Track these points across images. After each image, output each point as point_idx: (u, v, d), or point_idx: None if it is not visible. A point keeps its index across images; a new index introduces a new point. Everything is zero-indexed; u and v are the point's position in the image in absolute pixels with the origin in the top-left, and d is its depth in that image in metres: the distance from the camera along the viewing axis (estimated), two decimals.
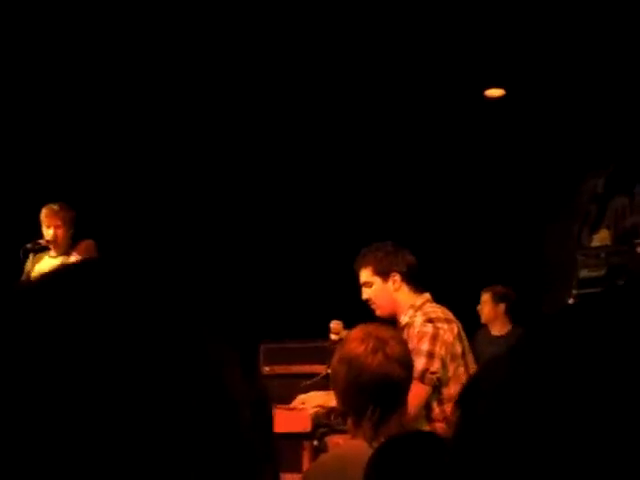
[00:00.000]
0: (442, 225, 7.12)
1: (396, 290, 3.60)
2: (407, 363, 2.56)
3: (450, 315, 3.60)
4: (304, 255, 7.28)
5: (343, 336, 4.12)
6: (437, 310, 3.56)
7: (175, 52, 5.76)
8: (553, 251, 6.45)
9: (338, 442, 3.30)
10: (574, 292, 5.31)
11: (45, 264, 5.10)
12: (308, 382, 4.37)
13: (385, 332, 2.61)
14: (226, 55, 5.84)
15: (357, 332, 2.62)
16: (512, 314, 6.22)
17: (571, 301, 5.43)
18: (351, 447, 2.42)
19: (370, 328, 2.61)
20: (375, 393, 2.47)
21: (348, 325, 4.03)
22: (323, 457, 2.72)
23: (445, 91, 6.40)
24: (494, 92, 6.72)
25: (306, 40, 5.82)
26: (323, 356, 4.50)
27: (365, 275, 3.65)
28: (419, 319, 3.49)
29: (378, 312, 3.65)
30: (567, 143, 6.57)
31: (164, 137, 7.00)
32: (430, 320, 3.47)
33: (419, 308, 3.56)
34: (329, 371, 4.15)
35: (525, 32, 5.70)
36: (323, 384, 4.20)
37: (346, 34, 5.71)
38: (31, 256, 4.98)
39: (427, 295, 3.65)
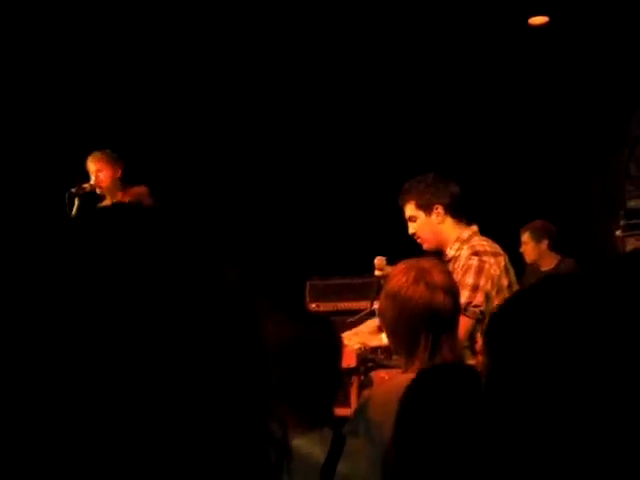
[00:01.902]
0: (485, 157, 7.02)
1: (440, 223, 3.57)
2: (451, 291, 2.54)
3: (497, 248, 3.56)
4: (347, 191, 7.24)
5: (387, 272, 4.13)
6: (484, 243, 3.52)
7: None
8: (600, 181, 6.34)
9: (383, 377, 3.32)
10: (622, 222, 5.22)
11: None
12: (353, 318, 4.40)
13: (426, 262, 2.61)
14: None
15: (399, 266, 2.63)
16: (557, 246, 6.09)
17: (619, 232, 5.35)
18: (403, 380, 2.43)
19: (412, 261, 2.62)
20: (422, 322, 2.47)
21: (393, 261, 4.02)
22: (376, 391, 2.74)
23: (489, 19, 6.25)
24: (538, 19, 6.53)
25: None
26: (368, 292, 4.52)
27: (409, 209, 3.62)
28: (465, 252, 3.46)
29: (424, 246, 3.63)
30: (616, 72, 6.40)
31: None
32: (476, 253, 3.43)
33: (466, 241, 3.52)
34: (374, 307, 4.19)
35: None
36: (368, 320, 4.23)
37: None
38: (76, 200, 5.03)
39: (474, 227, 3.61)
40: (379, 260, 4.10)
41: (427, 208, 3.57)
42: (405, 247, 3.69)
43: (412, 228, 3.63)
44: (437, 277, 2.52)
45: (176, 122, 7.00)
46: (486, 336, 1.04)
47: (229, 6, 5.22)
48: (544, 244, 6.03)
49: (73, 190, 5.02)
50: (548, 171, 6.93)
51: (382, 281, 4.09)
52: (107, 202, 5.19)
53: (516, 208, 6.47)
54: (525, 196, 6.73)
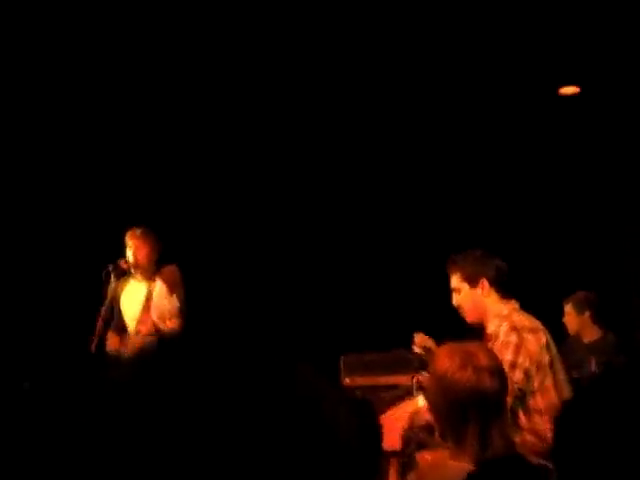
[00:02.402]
0: (519, 230, 6.98)
1: (484, 296, 3.55)
2: (498, 373, 2.50)
3: (537, 324, 3.51)
4: (382, 267, 7.23)
5: (428, 345, 4.06)
6: (523, 319, 3.48)
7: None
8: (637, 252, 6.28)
9: (427, 459, 3.23)
10: None
11: (131, 288, 5.20)
12: (389, 393, 4.33)
13: (471, 345, 2.58)
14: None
15: (444, 349, 2.60)
16: (600, 318, 5.98)
17: None
18: (454, 469, 2.35)
19: (456, 344, 2.59)
20: (470, 407, 2.42)
21: (431, 336, 3.97)
22: (423, 476, 2.67)
23: (520, 89, 6.28)
24: (569, 89, 6.55)
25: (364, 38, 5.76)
26: (403, 367, 4.46)
27: (454, 281, 3.62)
28: (504, 328, 3.42)
29: (467, 319, 3.62)
30: None
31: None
32: (515, 329, 3.39)
33: (505, 317, 3.49)
34: (414, 381, 4.11)
35: (600, 28, 5.56)
36: (405, 395, 4.15)
37: (409, 26, 5.63)
38: (112, 277, 5.05)
39: (515, 304, 3.57)
40: (419, 337, 4.04)
41: (472, 280, 3.56)
42: (439, 323, 3.66)
43: (456, 300, 3.63)
44: (483, 360, 2.48)
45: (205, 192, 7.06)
46: (557, 425, 1.05)
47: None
48: (586, 316, 5.93)
49: (110, 268, 5.05)
50: (590, 243, 6.88)
51: (424, 356, 4.04)
52: (138, 278, 5.20)
53: (560, 280, 6.41)
54: (569, 268, 6.68)
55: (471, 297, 3.57)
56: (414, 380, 4.12)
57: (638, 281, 6.14)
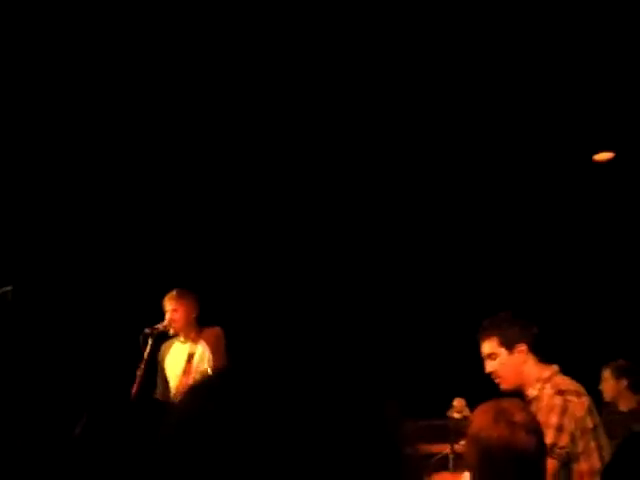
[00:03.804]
0: (554, 296, 6.93)
1: (523, 362, 3.46)
2: (535, 430, 2.44)
3: (581, 388, 3.44)
4: (415, 334, 7.19)
5: (466, 414, 4.00)
6: (567, 382, 3.40)
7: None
8: None
9: None
10: None
11: (175, 350, 5.20)
12: (430, 462, 4.26)
13: (507, 402, 2.54)
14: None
15: (480, 408, 2.56)
16: (636, 387, 5.91)
17: None
18: None
19: (492, 401, 2.55)
20: (505, 464, 2.37)
21: (470, 402, 3.92)
22: None
23: (555, 155, 6.30)
24: (603, 155, 6.57)
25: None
26: (441, 435, 4.38)
27: (489, 347, 3.51)
28: (549, 391, 3.33)
29: (503, 386, 3.50)
30: None
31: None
32: (560, 392, 3.30)
33: (548, 380, 3.39)
34: (453, 450, 4.05)
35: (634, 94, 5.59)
36: (443, 464, 4.08)
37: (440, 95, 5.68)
38: (150, 340, 5.06)
39: (556, 367, 3.49)
40: (458, 401, 3.99)
41: (510, 346, 3.47)
42: (478, 388, 3.59)
43: (491, 367, 3.52)
44: (517, 416, 2.44)
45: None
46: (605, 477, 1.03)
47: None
48: (623, 383, 5.86)
49: (147, 331, 5.05)
50: (620, 309, 6.81)
51: (462, 422, 3.98)
52: (181, 339, 5.21)
53: (597, 347, 6.33)
54: (606, 335, 6.60)
55: (509, 363, 3.47)
56: (451, 449, 4.06)
57: None
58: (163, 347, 5.24)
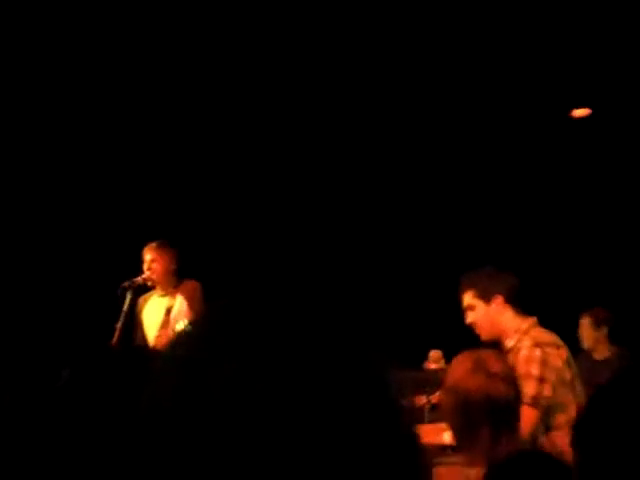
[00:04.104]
0: (534, 248, 7.00)
1: (499, 313, 3.51)
2: (511, 381, 2.50)
3: (558, 339, 3.48)
4: (392, 286, 7.23)
5: (442, 365, 4.06)
6: (545, 335, 3.44)
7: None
8: None
9: (442, 472, 3.22)
10: None
11: (152, 303, 5.17)
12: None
13: (484, 352, 2.58)
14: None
15: (457, 358, 2.59)
16: (613, 337, 5.99)
17: None
18: (470, 474, 2.36)
19: (469, 351, 2.58)
20: (481, 413, 2.42)
21: (448, 353, 3.97)
22: None
23: (532, 111, 6.33)
24: (580, 112, 6.60)
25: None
26: (415, 386, 4.43)
27: (467, 299, 3.57)
28: (526, 343, 3.37)
29: (482, 336, 3.56)
30: None
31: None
32: (538, 344, 3.35)
33: (525, 332, 3.44)
34: (431, 401, 4.11)
35: (610, 51, 5.61)
36: (419, 415, 4.13)
37: (419, 50, 5.67)
38: (128, 294, 5.04)
39: (533, 319, 3.53)
40: (435, 353, 4.05)
41: (487, 297, 3.52)
42: (458, 340, 3.64)
43: (470, 318, 3.58)
44: (495, 366, 2.48)
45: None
46: (576, 431, 1.05)
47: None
48: (603, 331, 5.94)
49: (125, 284, 5.03)
50: (604, 261, 6.89)
51: (439, 374, 4.03)
52: (160, 292, 5.18)
53: (572, 297, 6.41)
54: (582, 285, 6.68)
55: (486, 314, 3.53)
56: (427, 401, 4.12)
57: None
58: (141, 300, 5.18)
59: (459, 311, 3.70)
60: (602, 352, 5.92)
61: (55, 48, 5.54)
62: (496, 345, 3.52)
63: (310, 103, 6.35)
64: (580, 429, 0.99)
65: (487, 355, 2.54)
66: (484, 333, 3.55)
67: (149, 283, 5.12)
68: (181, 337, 0.73)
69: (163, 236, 5.26)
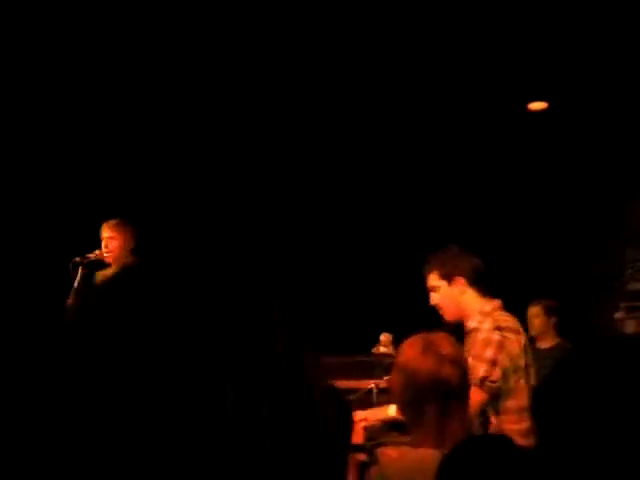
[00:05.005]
0: (484, 238, 7.07)
1: (461, 293, 3.55)
2: (459, 363, 2.54)
3: (519, 326, 3.53)
4: (345, 270, 7.25)
5: (391, 350, 4.09)
6: (507, 319, 3.48)
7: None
8: (599, 265, 6.38)
9: (390, 454, 3.25)
10: (623, 305, 5.26)
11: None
12: (353, 396, 4.34)
13: (435, 335, 2.61)
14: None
15: (408, 340, 2.63)
16: (560, 327, 6.12)
17: (620, 314, 5.37)
18: (417, 456, 2.39)
19: (420, 334, 2.62)
20: (429, 393, 2.46)
21: (398, 338, 4.00)
22: (389, 470, 2.70)
23: (489, 104, 6.38)
24: (537, 105, 6.67)
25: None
26: (364, 371, 4.46)
27: (431, 279, 3.60)
28: (487, 325, 3.41)
29: (445, 317, 3.60)
30: (612, 159, 6.51)
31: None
32: (499, 328, 3.38)
33: (488, 314, 3.48)
34: (377, 385, 4.14)
35: (568, 44, 5.67)
36: (367, 399, 4.16)
37: (384, 43, 5.70)
38: (80, 270, 5.01)
39: (497, 302, 3.57)
40: (385, 336, 4.09)
41: (449, 278, 3.55)
42: (413, 323, 3.66)
43: (434, 298, 3.61)
44: (446, 348, 2.52)
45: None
46: (534, 410, 1.05)
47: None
48: (552, 320, 6.06)
49: (77, 259, 5.00)
50: (547, 253, 6.98)
51: (387, 359, 4.06)
52: (115, 269, 5.15)
53: (516, 287, 6.49)
54: (524, 277, 6.76)
55: (449, 295, 3.56)
56: (375, 385, 4.15)
57: (598, 291, 6.25)
58: (99, 276, 5.18)
59: (415, 294, 3.72)
60: (548, 341, 6.04)
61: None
62: (459, 327, 3.55)
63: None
64: (537, 407, 1.01)
65: (438, 337, 2.58)
66: (448, 314, 3.59)
67: (107, 259, 5.10)
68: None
69: (123, 215, 5.25)
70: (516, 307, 6.15)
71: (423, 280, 3.67)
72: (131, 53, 5.73)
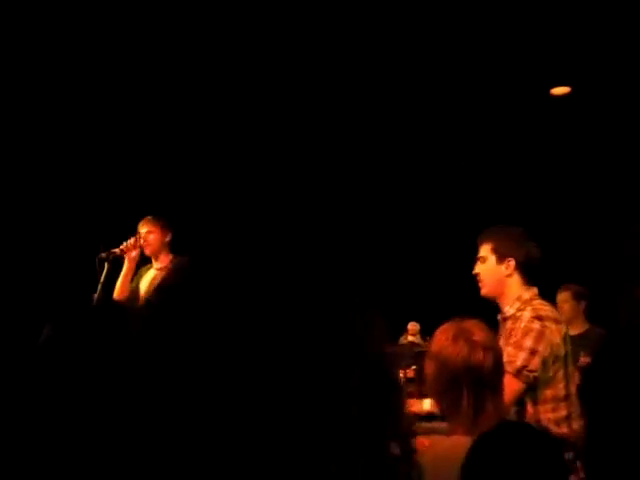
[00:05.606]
0: (510, 224, 7.03)
1: (507, 275, 3.48)
2: (492, 349, 2.51)
3: (558, 314, 3.48)
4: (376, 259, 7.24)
5: (418, 339, 4.08)
6: (547, 308, 3.43)
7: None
8: (630, 250, 6.33)
9: (423, 442, 3.24)
10: None
11: (149, 275, 5.24)
12: None
13: (467, 322, 2.59)
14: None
15: (440, 328, 2.62)
16: (590, 313, 6.06)
17: None
18: (449, 443, 2.38)
19: (452, 321, 2.60)
20: (462, 380, 2.45)
21: (425, 327, 3.99)
22: (422, 458, 2.68)
23: (512, 89, 6.34)
24: (560, 90, 6.62)
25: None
26: (392, 360, 4.44)
27: (483, 249, 3.54)
28: (527, 314, 3.35)
29: (483, 290, 3.53)
30: (636, 143, 6.46)
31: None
32: (539, 317, 3.32)
33: (527, 302, 3.42)
34: (405, 375, 4.13)
35: (591, 29, 5.62)
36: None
37: (408, 29, 5.68)
38: (106, 265, 5.05)
39: (535, 290, 3.51)
40: (412, 325, 4.07)
41: (501, 255, 3.50)
42: (437, 313, 3.65)
43: (478, 268, 3.54)
44: (477, 335, 2.50)
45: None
46: (582, 394, 1.05)
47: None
48: (582, 305, 6.00)
49: (103, 255, 5.04)
50: (574, 238, 6.93)
51: (414, 348, 4.05)
52: (155, 267, 5.24)
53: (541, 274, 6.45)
54: (551, 262, 6.71)
55: (494, 271, 3.49)
56: (404, 375, 4.15)
57: (627, 276, 6.20)
58: (141, 271, 5.27)
59: (443, 284, 3.70)
60: (578, 327, 5.96)
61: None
62: (491, 314, 3.49)
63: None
64: (586, 390, 1.00)
65: (470, 324, 2.56)
66: (485, 287, 3.52)
67: (147, 252, 5.17)
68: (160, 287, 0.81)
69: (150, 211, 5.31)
70: (545, 293, 6.15)
71: (451, 270, 3.63)
72: (144, 54, 5.76)
